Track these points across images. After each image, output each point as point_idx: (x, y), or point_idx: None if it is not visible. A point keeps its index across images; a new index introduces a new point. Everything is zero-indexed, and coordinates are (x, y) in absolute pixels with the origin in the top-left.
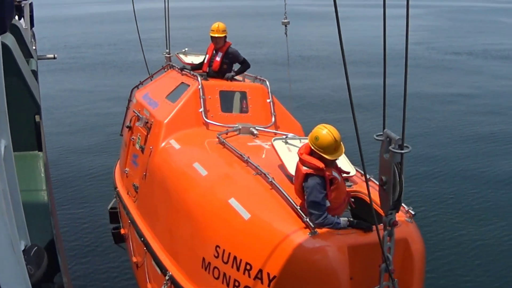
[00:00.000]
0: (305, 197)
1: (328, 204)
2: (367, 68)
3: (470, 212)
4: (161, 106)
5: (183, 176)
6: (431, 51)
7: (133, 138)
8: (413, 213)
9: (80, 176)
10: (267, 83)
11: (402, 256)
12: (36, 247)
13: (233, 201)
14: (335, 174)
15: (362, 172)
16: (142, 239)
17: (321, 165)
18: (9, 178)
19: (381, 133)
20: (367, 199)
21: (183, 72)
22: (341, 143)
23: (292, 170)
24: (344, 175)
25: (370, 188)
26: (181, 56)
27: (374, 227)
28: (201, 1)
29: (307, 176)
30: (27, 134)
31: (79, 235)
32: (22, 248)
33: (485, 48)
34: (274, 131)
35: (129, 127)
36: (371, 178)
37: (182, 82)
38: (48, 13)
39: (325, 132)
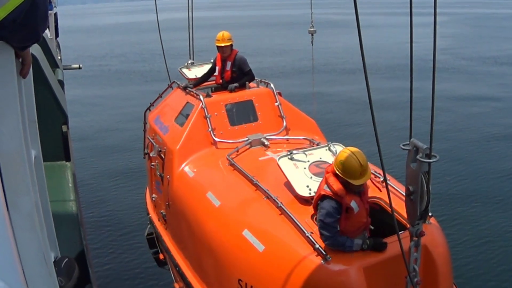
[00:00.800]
0: (317, 215)
1: (338, 228)
2: (393, 77)
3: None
4: (171, 131)
5: (200, 207)
6: (457, 58)
7: (153, 165)
8: (430, 214)
9: (108, 187)
10: (272, 85)
11: (423, 263)
12: (67, 259)
13: (246, 233)
14: (354, 204)
15: (377, 175)
16: (177, 268)
17: (340, 191)
18: (40, 189)
19: (408, 142)
20: (386, 207)
21: (187, 90)
22: (368, 167)
23: (299, 190)
24: None
25: (382, 191)
26: (184, 71)
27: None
28: (226, 11)
29: (324, 196)
30: (55, 144)
31: (106, 247)
32: (53, 259)
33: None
34: (286, 137)
35: (148, 154)
36: (390, 183)
37: (188, 102)
38: (72, 23)
39: (350, 156)
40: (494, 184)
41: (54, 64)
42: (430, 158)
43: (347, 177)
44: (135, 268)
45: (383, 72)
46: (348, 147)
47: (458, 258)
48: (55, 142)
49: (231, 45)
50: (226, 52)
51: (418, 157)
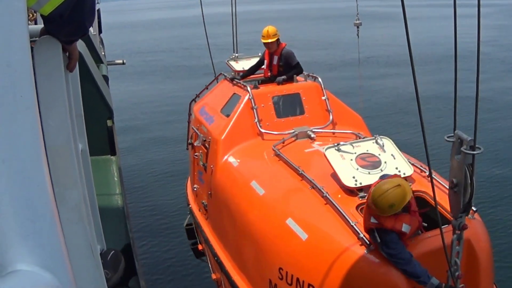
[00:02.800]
0: (381, 249)
1: (409, 255)
2: (437, 69)
3: None
4: (217, 121)
5: (243, 196)
6: (501, 50)
7: (196, 155)
8: (474, 209)
9: (153, 181)
10: (320, 79)
11: (466, 257)
12: (113, 251)
13: (290, 222)
14: (405, 227)
15: (423, 169)
16: (216, 258)
17: (388, 223)
18: (87, 182)
19: (452, 134)
20: (430, 200)
21: (234, 82)
22: (403, 201)
23: (346, 181)
24: (403, 176)
25: (428, 185)
26: (232, 63)
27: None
28: (270, 5)
29: (378, 230)
30: (100, 139)
31: (152, 240)
32: (99, 252)
33: None
34: (332, 130)
35: (192, 144)
36: (434, 177)
37: (234, 93)
38: (115, 19)
39: (381, 197)
40: None
41: (98, 60)
42: (474, 150)
43: (381, 213)
44: (180, 260)
45: (428, 64)
46: (383, 181)
47: (499, 257)
48: (100, 136)
49: (277, 40)
50: (272, 48)
51: (462, 149)
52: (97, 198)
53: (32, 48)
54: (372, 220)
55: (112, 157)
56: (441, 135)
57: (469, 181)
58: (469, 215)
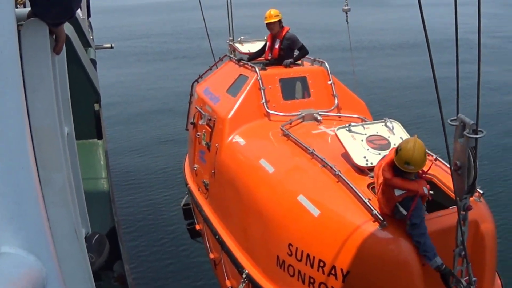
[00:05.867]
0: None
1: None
2: (437, 54)
3: None
4: (223, 101)
5: (251, 174)
6: (498, 38)
7: (198, 135)
8: (481, 192)
9: (139, 165)
10: (326, 64)
11: (472, 238)
12: (97, 235)
13: (302, 198)
14: (425, 190)
15: (430, 153)
16: (216, 237)
17: (412, 185)
18: (72, 166)
19: (455, 118)
20: (437, 182)
21: (241, 63)
22: (424, 158)
23: (357, 160)
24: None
25: (439, 170)
26: (237, 45)
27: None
28: None
29: (404, 200)
30: (87, 123)
31: (137, 223)
32: (84, 236)
33: None
34: (338, 114)
35: (193, 124)
36: (437, 158)
37: (241, 74)
38: (104, 3)
39: (410, 146)
40: None
41: (86, 44)
42: (477, 134)
43: (412, 163)
44: (166, 243)
45: (423, 48)
46: (408, 138)
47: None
48: (87, 120)
49: (279, 21)
50: (274, 29)
51: (465, 132)
52: (83, 182)
53: (19, 31)
54: (397, 192)
55: (98, 141)
56: (444, 118)
57: (473, 164)
58: (476, 198)
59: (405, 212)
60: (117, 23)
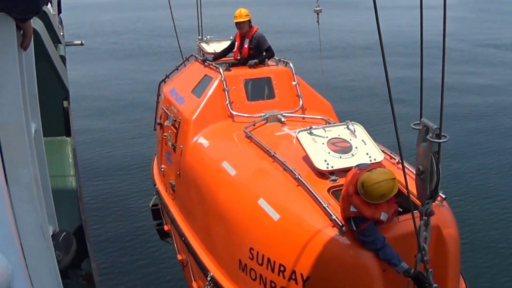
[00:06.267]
0: (358, 236)
1: (383, 238)
2: (400, 58)
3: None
4: (187, 102)
5: (214, 176)
6: (463, 42)
7: (165, 136)
8: (443, 196)
9: (107, 163)
10: (291, 64)
11: (434, 243)
12: (65, 233)
13: (262, 202)
14: (383, 216)
15: (393, 156)
16: (183, 238)
17: (369, 212)
18: (39, 162)
19: (418, 122)
20: (400, 187)
21: (205, 63)
22: (394, 189)
23: (318, 164)
24: (373, 161)
25: (398, 172)
26: (203, 45)
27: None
28: None
29: (355, 219)
30: (56, 119)
31: (105, 222)
32: (51, 233)
33: None
34: (302, 115)
35: (160, 124)
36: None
37: (206, 75)
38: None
39: (373, 186)
40: (504, 166)
41: (56, 40)
42: (440, 138)
43: (370, 200)
44: (135, 243)
45: (394, 53)
46: (374, 170)
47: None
48: (56, 117)
49: (249, 21)
50: (244, 28)
51: (428, 137)
52: (50, 179)
53: None
54: (352, 209)
55: (67, 138)
56: (408, 122)
57: (435, 169)
58: (438, 202)
59: (354, 228)
60: (88, 20)
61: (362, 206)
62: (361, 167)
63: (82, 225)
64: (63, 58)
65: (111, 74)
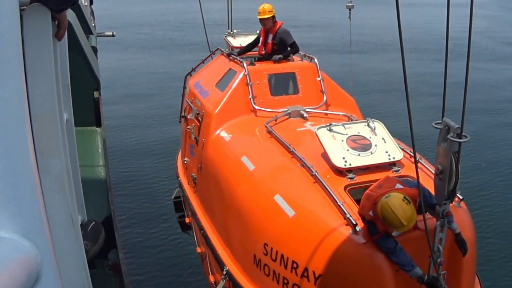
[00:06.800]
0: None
1: (396, 245)
2: (427, 56)
3: None
4: (211, 95)
5: (233, 171)
6: (493, 41)
7: (188, 128)
8: (461, 197)
9: (137, 154)
10: (316, 60)
11: (450, 245)
12: (93, 223)
13: (278, 198)
14: (395, 233)
15: (411, 154)
16: (202, 231)
17: (381, 228)
18: (70, 152)
19: (440, 121)
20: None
21: (231, 57)
22: (413, 218)
23: (335, 161)
24: (391, 160)
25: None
26: (229, 39)
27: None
28: None
29: (369, 224)
30: (86, 110)
31: (134, 213)
32: (80, 223)
33: None
34: (325, 111)
35: (185, 117)
36: (419, 161)
37: (230, 69)
38: None
39: (391, 213)
40: None
41: (88, 31)
42: (461, 138)
43: (389, 226)
44: (160, 234)
45: (419, 50)
46: (395, 195)
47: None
48: (86, 107)
49: (273, 17)
50: (267, 25)
51: (449, 136)
52: (80, 169)
53: (21, 16)
54: (370, 213)
55: (97, 128)
56: (430, 121)
57: (455, 169)
58: (456, 203)
59: (368, 229)
60: (120, 11)
61: (378, 220)
62: (402, 184)
63: (110, 215)
64: (94, 49)
65: (141, 65)
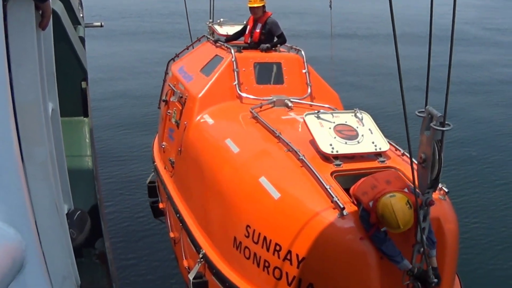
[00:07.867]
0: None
1: (386, 238)
2: (410, 44)
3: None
4: (196, 80)
5: (216, 153)
6: (478, 29)
7: (169, 112)
8: (446, 190)
9: (124, 144)
10: (303, 52)
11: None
12: (79, 211)
13: (263, 180)
14: (384, 228)
15: (397, 148)
16: (178, 215)
17: (373, 220)
18: (56, 142)
19: (423, 109)
20: (403, 177)
21: (217, 44)
22: (411, 220)
23: (323, 147)
24: (377, 150)
25: (402, 163)
26: (216, 27)
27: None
28: None
29: (365, 213)
30: (73, 100)
31: (120, 202)
32: (66, 212)
33: None
34: (310, 102)
35: (165, 101)
36: (405, 153)
37: (216, 55)
38: None
39: (391, 214)
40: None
41: (75, 21)
42: (443, 126)
43: (384, 224)
44: (148, 222)
45: (403, 39)
46: (400, 196)
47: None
48: (73, 97)
49: (263, 6)
50: (257, 13)
51: (431, 124)
52: (67, 159)
53: (5, 5)
54: (370, 204)
55: (84, 118)
56: (413, 110)
57: (437, 157)
58: (441, 196)
59: (362, 220)
60: (108, 2)
61: (374, 213)
62: (409, 189)
63: (97, 205)
64: (82, 40)
65: (130, 55)
